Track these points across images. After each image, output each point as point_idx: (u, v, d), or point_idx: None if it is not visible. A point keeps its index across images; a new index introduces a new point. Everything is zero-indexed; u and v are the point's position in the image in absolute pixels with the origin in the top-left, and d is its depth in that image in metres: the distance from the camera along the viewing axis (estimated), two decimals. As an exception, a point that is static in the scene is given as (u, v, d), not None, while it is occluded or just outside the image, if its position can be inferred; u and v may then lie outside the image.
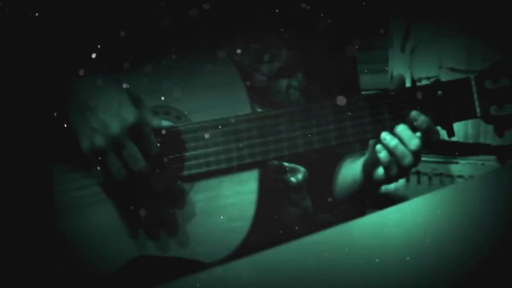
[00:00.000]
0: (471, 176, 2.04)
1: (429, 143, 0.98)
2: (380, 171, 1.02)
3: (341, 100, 0.99)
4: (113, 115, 0.90)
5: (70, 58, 1.00)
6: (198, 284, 0.50)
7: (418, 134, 0.97)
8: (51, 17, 1.03)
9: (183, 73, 1.00)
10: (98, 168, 0.91)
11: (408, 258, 0.53)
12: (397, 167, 0.99)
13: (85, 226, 0.99)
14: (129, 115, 0.91)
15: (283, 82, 1.14)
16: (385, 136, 0.98)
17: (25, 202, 1.00)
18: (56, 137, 0.98)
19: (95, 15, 1.07)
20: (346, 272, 0.53)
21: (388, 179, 1.01)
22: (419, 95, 0.99)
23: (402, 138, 0.97)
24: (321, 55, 1.18)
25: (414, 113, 0.98)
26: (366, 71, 2.02)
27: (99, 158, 0.91)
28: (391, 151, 0.98)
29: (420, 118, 0.97)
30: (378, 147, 0.99)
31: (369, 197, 1.16)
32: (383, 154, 0.98)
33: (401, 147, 0.97)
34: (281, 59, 1.14)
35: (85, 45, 1.03)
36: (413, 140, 0.97)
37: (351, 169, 1.13)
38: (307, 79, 1.16)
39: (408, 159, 0.97)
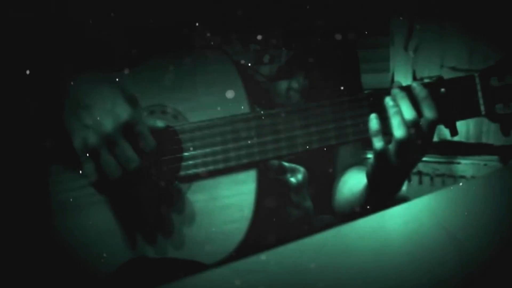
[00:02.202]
0: (473, 177, 2.04)
1: (424, 121, 0.94)
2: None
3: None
4: (106, 113, 0.90)
5: (66, 58, 1.00)
6: (197, 285, 0.50)
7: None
8: (47, 17, 1.03)
9: (181, 72, 1.00)
10: (91, 166, 0.90)
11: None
12: (392, 143, 0.93)
13: (82, 226, 0.99)
14: (123, 113, 0.90)
15: (283, 84, 1.14)
16: (388, 101, 0.95)
17: (22, 202, 1.00)
18: (52, 137, 0.98)
19: (92, 14, 1.06)
20: (346, 273, 0.52)
21: (376, 156, 0.95)
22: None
23: (400, 107, 0.93)
24: (322, 56, 1.17)
25: (414, 84, 0.95)
26: (367, 70, 2.02)
27: (92, 156, 0.90)
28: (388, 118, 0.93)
29: (419, 87, 0.94)
30: (373, 115, 0.95)
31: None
32: (374, 122, 0.94)
33: (398, 117, 0.93)
34: (281, 60, 1.13)
35: (82, 45, 1.03)
36: (411, 111, 0.92)
37: (358, 182, 1.09)
38: (308, 81, 1.15)
39: (400, 132, 0.92)
